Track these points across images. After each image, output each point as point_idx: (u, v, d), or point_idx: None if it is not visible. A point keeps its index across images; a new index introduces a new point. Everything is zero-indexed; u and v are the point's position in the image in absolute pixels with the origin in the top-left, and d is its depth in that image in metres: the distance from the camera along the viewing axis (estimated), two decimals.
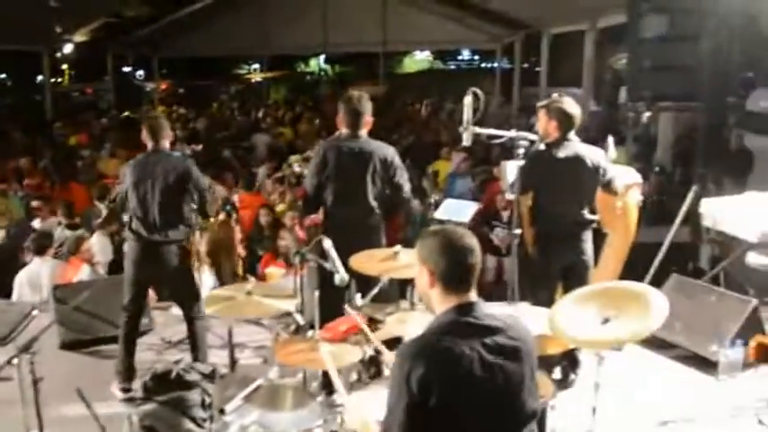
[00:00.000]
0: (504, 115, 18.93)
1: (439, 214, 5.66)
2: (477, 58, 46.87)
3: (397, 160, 4.85)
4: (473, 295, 2.44)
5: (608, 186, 4.94)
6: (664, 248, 7.02)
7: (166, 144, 4.99)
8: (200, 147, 13.70)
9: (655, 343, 5.38)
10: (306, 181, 5.00)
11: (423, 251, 2.47)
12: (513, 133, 4.29)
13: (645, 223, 8.52)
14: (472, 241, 2.46)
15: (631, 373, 5.02)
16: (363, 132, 4.82)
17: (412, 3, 21.76)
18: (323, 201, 4.86)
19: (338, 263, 3.49)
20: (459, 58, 48.57)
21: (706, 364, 5.24)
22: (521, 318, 2.60)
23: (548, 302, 4.75)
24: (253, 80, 37.49)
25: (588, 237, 4.89)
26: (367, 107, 4.81)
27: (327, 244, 3.53)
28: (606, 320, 3.45)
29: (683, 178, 9.45)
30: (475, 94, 4.06)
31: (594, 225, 4.95)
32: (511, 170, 4.88)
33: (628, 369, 4.94)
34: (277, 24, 21.26)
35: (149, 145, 4.96)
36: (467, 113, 4.05)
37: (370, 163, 4.73)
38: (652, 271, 6.80)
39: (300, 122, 18.12)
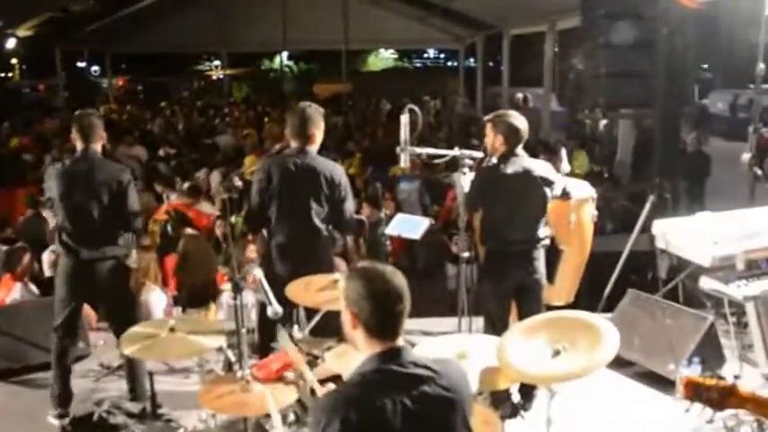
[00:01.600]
0: (470, 116, 18.81)
1: (390, 230, 5.44)
2: (442, 56, 46.88)
3: (344, 180, 4.64)
4: (399, 341, 2.27)
5: (560, 197, 4.84)
6: (622, 259, 6.91)
7: (97, 147, 4.64)
8: (173, 151, 13.25)
9: (612, 360, 5.23)
10: (250, 198, 4.76)
11: (347, 291, 2.30)
12: (455, 152, 4.11)
13: (606, 231, 8.46)
14: (400, 285, 2.28)
15: (589, 392, 4.86)
16: (312, 148, 4.62)
17: (373, 1, 21.58)
18: (267, 219, 4.64)
19: (270, 294, 3.23)
20: (425, 56, 48.53)
21: (664, 383, 5.12)
22: (453, 362, 2.42)
23: (501, 321, 4.65)
24: (213, 77, 37.05)
25: (540, 255, 4.75)
26: (315, 120, 4.59)
27: (258, 273, 3.28)
28: (557, 353, 3.30)
29: (643, 185, 9.38)
30: (412, 111, 3.86)
31: (547, 242, 4.80)
32: (464, 183, 4.71)
33: (585, 388, 4.78)
34: (235, 20, 20.97)
35: (78, 147, 4.61)
36: (404, 133, 3.86)
37: (315, 181, 4.53)
38: (611, 283, 6.68)
39: (266, 122, 17.65)
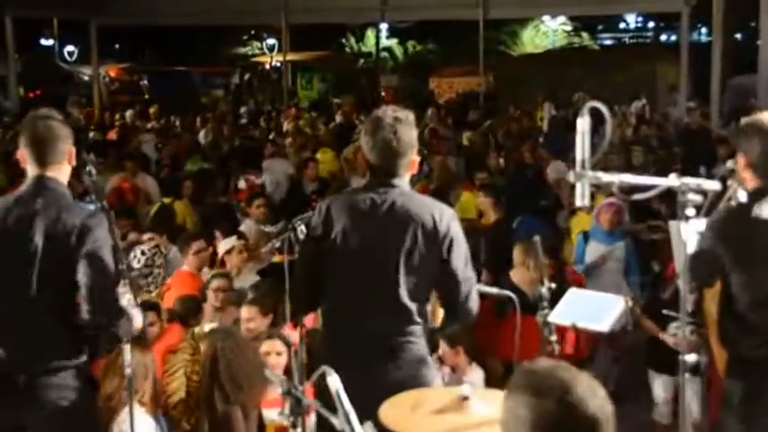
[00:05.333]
0: (700, 128, 18.56)
1: (555, 317, 5.37)
2: (651, 26, 46.86)
3: (455, 228, 4.63)
4: None
5: None
6: None
7: (59, 174, 4.73)
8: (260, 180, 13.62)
9: None
10: (298, 258, 4.87)
11: (504, 412, 2.40)
12: (672, 180, 4.04)
13: None
14: (596, 405, 2.32)
15: None
16: (402, 181, 4.68)
17: None
18: (323, 293, 4.73)
19: (353, 417, 3.28)
20: (622, 27, 48.68)
21: None
22: None
23: None
24: (267, 65, 38.29)
25: None
26: (410, 138, 4.65)
27: (334, 383, 3.33)
28: None
29: None
30: (598, 113, 3.84)
31: None
32: (686, 236, 4.63)
33: None
34: None
35: (29, 172, 4.71)
36: (581, 148, 3.83)
37: (406, 231, 4.53)
38: None
39: (354, 140, 17.75)
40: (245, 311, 6.66)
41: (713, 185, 4.17)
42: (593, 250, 8.81)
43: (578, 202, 4.00)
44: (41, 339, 4.62)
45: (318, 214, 4.69)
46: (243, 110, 27.31)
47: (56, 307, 4.63)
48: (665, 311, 7.07)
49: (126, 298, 4.81)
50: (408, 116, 4.69)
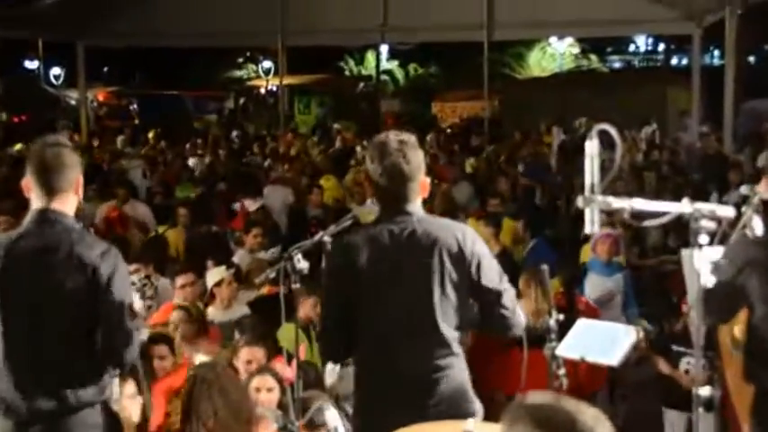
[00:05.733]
0: (714, 155, 18.57)
1: (563, 350, 5.36)
2: (661, 49, 46.98)
3: (480, 246, 4.66)
4: None
5: None
6: None
7: (66, 207, 4.70)
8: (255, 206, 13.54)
9: None
10: (324, 301, 4.87)
11: None
12: (685, 206, 4.04)
13: None
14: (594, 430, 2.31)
15: None
16: (416, 206, 4.68)
17: None
18: (353, 335, 4.70)
19: None
20: (631, 50, 48.80)
21: None
22: None
23: None
24: (262, 89, 38.34)
25: None
26: (416, 160, 4.65)
27: (331, 418, 3.33)
28: None
29: None
30: (605, 136, 3.84)
31: None
32: (700, 265, 4.60)
33: None
34: None
35: (35, 203, 4.67)
36: (590, 172, 3.83)
37: (432, 257, 4.54)
38: None
39: (352, 166, 17.73)
40: (249, 353, 6.58)
41: (727, 212, 4.16)
42: (591, 282, 8.91)
43: (587, 229, 3.99)
44: (60, 378, 4.58)
45: (337, 255, 4.71)
46: (234, 134, 27.26)
47: (71, 344, 4.61)
48: (674, 347, 7.06)
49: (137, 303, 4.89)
50: (411, 138, 4.72)
